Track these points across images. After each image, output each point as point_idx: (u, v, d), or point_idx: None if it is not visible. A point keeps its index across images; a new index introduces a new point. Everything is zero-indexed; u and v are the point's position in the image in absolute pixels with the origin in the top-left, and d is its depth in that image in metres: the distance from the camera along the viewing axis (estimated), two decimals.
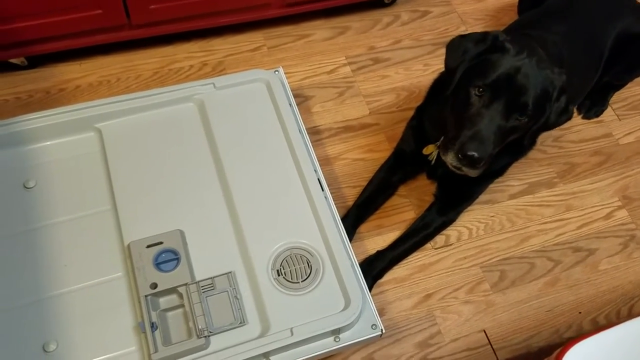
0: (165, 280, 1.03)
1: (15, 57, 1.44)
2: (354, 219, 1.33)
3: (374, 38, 1.69)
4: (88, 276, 1.06)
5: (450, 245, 1.36)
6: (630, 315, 1.31)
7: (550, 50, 1.26)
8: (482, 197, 1.40)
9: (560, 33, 1.31)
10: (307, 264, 1.08)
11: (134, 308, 1.03)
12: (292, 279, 1.07)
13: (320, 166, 1.21)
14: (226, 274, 1.06)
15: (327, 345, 1.02)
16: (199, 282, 1.03)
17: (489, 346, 1.24)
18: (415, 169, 1.40)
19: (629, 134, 1.59)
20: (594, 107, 1.59)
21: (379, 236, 1.35)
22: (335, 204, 1.17)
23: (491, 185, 1.39)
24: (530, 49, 1.11)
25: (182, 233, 1.09)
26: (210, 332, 0.99)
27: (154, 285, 1.02)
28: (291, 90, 1.30)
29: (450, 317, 1.26)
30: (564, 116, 1.15)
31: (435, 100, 1.29)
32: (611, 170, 1.52)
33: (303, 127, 1.25)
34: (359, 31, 1.69)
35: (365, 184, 1.38)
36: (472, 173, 1.13)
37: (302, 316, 1.02)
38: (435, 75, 1.35)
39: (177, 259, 1.06)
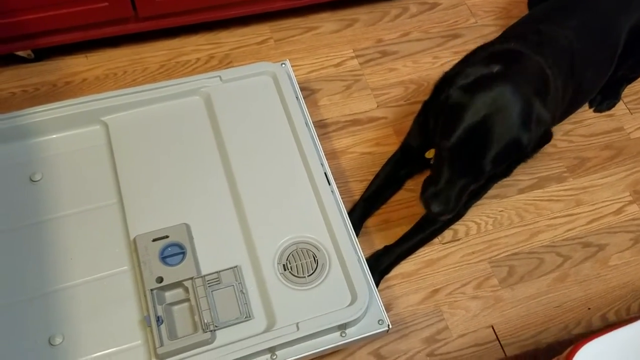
0: (171, 274, 1.03)
1: (21, 49, 1.44)
2: (361, 213, 1.32)
3: (382, 30, 1.67)
4: (94, 270, 1.05)
5: (458, 240, 1.35)
6: None
7: (561, 44, 1.24)
8: (491, 191, 1.38)
9: (573, 27, 1.29)
10: (313, 259, 1.08)
11: (139, 302, 1.03)
12: (298, 273, 1.06)
13: (327, 160, 1.20)
14: (232, 268, 1.05)
15: (334, 340, 1.02)
16: (204, 276, 1.03)
17: (497, 342, 1.23)
18: (422, 164, 1.39)
19: None
20: (606, 100, 1.56)
21: (386, 231, 1.34)
22: (342, 199, 1.16)
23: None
24: (505, 82, 1.05)
25: (188, 227, 1.09)
26: (216, 326, 0.99)
27: (160, 279, 1.02)
28: (298, 84, 1.30)
29: (457, 313, 1.25)
30: (542, 144, 1.14)
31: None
32: (622, 164, 1.50)
33: (310, 121, 1.24)
34: (366, 23, 1.68)
35: (372, 178, 1.37)
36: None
37: (308, 311, 1.02)
38: (445, 69, 1.33)
39: (183, 253, 1.05)
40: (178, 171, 1.16)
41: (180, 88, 1.24)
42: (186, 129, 1.21)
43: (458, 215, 1.33)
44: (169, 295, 1.03)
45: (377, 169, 1.38)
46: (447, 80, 1.24)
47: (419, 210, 1.37)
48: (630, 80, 1.58)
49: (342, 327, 1.02)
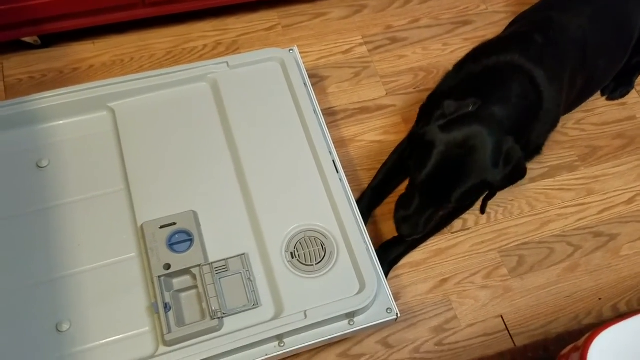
0: (178, 261, 1.02)
1: (28, 35, 1.43)
2: (369, 201, 1.31)
3: (391, 17, 1.65)
4: (101, 256, 1.05)
5: (468, 229, 1.33)
6: None
7: (571, 36, 1.22)
8: None
9: (586, 15, 1.27)
10: (321, 247, 1.07)
11: (147, 288, 1.02)
12: (306, 261, 1.05)
13: (335, 148, 1.18)
14: (239, 255, 1.04)
15: (342, 328, 1.01)
16: (212, 263, 1.02)
17: (506, 332, 1.22)
18: None
19: None
20: (619, 87, 1.54)
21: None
22: (350, 187, 1.15)
23: None
24: (478, 123, 1.07)
25: (195, 214, 1.08)
26: (223, 313, 0.98)
27: (168, 266, 1.01)
28: (306, 71, 1.28)
29: (466, 302, 1.24)
30: (516, 179, 1.15)
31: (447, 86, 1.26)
32: (634, 153, 1.48)
33: (318, 108, 1.22)
34: (376, 10, 1.65)
35: (380, 166, 1.36)
36: None
37: (316, 299, 1.01)
38: (455, 56, 1.31)
39: (191, 240, 1.05)
40: (185, 158, 1.15)
41: (187, 74, 1.23)
42: (193, 115, 1.20)
43: (467, 206, 1.32)
44: (177, 282, 1.03)
45: (386, 157, 1.36)
46: (434, 100, 1.25)
47: None
48: None
49: (350, 316, 1.01)
